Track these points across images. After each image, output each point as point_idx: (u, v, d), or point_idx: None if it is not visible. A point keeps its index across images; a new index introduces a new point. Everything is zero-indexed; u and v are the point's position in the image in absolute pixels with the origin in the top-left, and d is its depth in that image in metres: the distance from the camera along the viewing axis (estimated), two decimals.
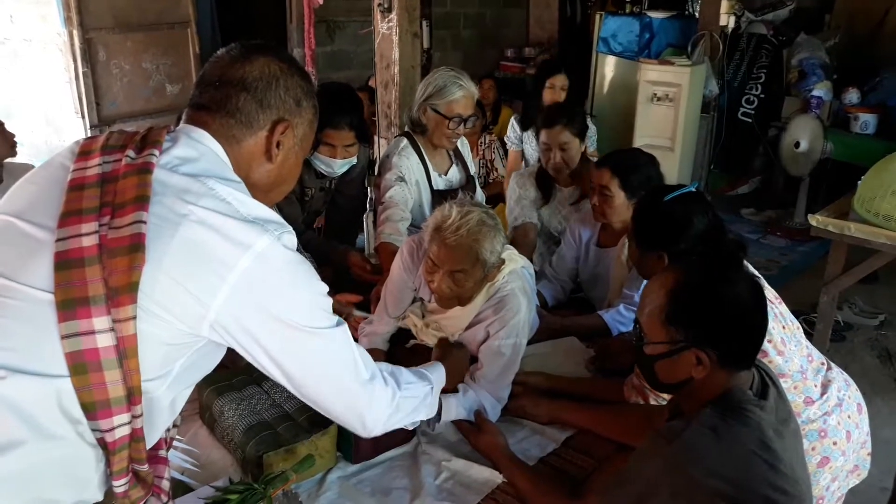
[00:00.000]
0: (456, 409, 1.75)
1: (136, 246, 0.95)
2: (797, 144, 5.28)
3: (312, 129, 1.24)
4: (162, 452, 1.16)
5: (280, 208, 2.31)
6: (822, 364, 1.92)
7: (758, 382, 1.39)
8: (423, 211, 2.51)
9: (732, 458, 1.24)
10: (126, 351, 0.95)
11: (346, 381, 1.19)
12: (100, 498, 1.06)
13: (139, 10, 4.99)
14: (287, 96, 1.15)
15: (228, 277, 0.99)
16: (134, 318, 0.95)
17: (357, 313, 2.09)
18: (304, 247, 2.33)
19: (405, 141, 2.52)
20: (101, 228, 0.97)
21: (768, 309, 1.83)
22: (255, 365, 1.11)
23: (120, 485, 1.03)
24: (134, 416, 0.99)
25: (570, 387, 1.91)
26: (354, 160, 2.40)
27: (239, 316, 1.03)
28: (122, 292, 0.94)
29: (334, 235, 2.69)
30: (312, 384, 1.16)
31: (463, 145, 2.71)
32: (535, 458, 1.68)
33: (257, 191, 1.15)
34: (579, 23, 7.57)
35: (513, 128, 3.93)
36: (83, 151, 1.07)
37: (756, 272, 1.94)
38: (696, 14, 5.91)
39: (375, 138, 3.37)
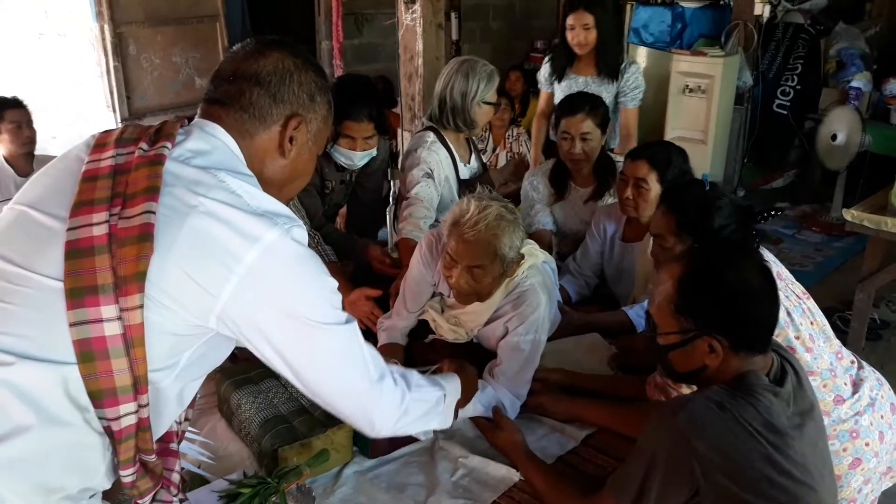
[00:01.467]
0: (473, 405, 1.73)
1: (144, 235, 0.95)
2: (834, 137, 5.14)
3: (327, 124, 1.23)
4: (173, 445, 1.16)
5: (301, 200, 2.31)
6: (853, 362, 1.86)
7: (776, 369, 1.37)
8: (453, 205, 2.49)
9: (735, 433, 1.23)
10: (133, 340, 0.96)
11: (354, 380, 1.17)
12: (107, 486, 1.07)
13: (169, 4, 5.04)
14: (301, 91, 1.15)
15: (237, 269, 0.99)
16: (141, 306, 0.95)
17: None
18: (325, 239, 2.32)
19: (432, 135, 2.48)
20: (112, 218, 0.98)
21: (797, 304, 1.80)
22: (263, 360, 1.10)
23: (127, 474, 1.03)
24: (140, 406, 1.00)
25: (591, 384, 1.88)
26: (374, 152, 2.38)
27: (246, 308, 1.03)
28: (130, 281, 0.95)
29: (356, 229, 2.68)
30: (319, 381, 1.14)
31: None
32: (554, 457, 1.66)
33: (271, 186, 1.16)
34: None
35: (545, 69, 3.48)
36: (98, 144, 1.09)
37: (774, 258, 1.89)
38: (731, 3, 5.77)
39: (399, 131, 3.35)
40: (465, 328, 1.91)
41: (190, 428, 1.51)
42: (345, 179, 2.52)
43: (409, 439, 1.67)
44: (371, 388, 1.19)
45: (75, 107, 5.23)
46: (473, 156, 2.65)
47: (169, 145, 1.05)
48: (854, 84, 5.41)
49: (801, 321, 1.77)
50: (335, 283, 1.13)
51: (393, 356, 1.91)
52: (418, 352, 1.96)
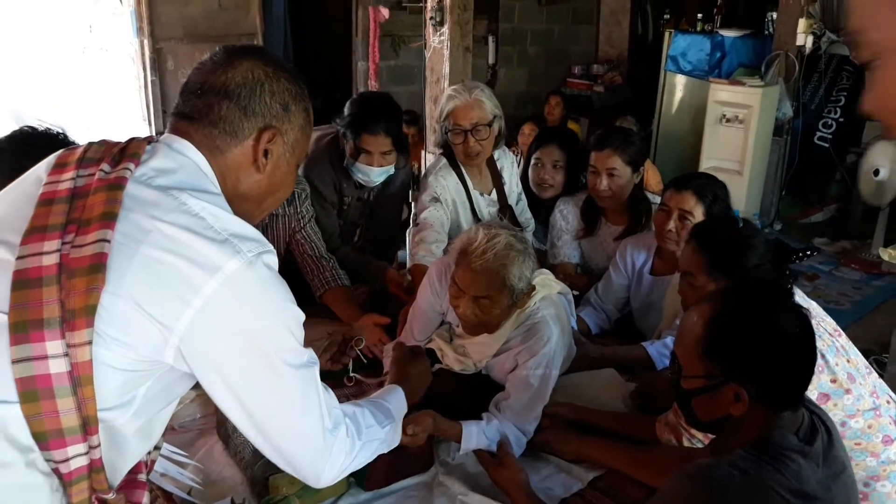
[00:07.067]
0: (477, 437, 1.67)
1: (96, 266, 0.89)
2: (877, 172, 4.98)
3: (305, 134, 1.16)
4: (141, 477, 1.10)
5: (317, 219, 2.29)
6: (889, 402, 1.76)
7: (806, 427, 1.27)
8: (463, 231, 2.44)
9: (758, 502, 1.13)
10: (80, 378, 0.90)
11: (307, 426, 1.08)
12: None
13: (208, 22, 5.14)
14: (273, 102, 1.09)
15: (194, 302, 0.93)
16: (89, 342, 0.89)
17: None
18: (340, 262, 2.30)
19: (444, 160, 2.47)
20: (64, 247, 0.92)
21: (829, 343, 1.71)
22: (217, 403, 1.04)
23: None
24: (91, 447, 0.93)
25: (601, 421, 1.80)
26: (392, 169, 2.37)
27: (205, 343, 0.96)
28: (79, 315, 0.89)
29: (373, 250, 2.66)
30: (272, 425, 1.05)
31: (506, 169, 2.59)
32: (557, 499, 1.59)
33: (249, 201, 1.11)
34: (650, 41, 7.39)
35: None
36: (59, 164, 1.02)
37: (807, 300, 1.80)
38: (772, 33, 5.66)
39: (423, 153, 3.33)
40: (473, 359, 1.85)
41: (181, 452, 1.48)
42: (362, 197, 2.50)
43: (410, 472, 1.62)
44: (323, 438, 1.10)
45: (116, 121, 5.34)
46: (495, 190, 2.56)
47: (132, 166, 0.98)
48: None
49: (837, 361, 1.68)
50: (301, 317, 1.06)
51: None
52: None
